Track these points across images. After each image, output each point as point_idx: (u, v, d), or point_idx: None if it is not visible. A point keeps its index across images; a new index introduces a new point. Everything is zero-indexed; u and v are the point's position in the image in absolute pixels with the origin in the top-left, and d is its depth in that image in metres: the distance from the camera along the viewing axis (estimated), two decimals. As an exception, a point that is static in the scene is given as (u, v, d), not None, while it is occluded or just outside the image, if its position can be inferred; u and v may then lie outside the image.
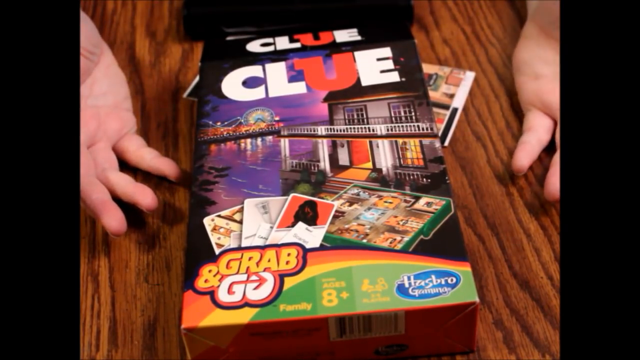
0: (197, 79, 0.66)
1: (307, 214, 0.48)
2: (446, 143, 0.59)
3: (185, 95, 0.65)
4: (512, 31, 0.68)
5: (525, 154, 0.55)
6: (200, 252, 0.46)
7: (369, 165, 0.51)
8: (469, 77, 0.65)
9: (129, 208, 0.54)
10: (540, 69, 0.58)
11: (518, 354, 0.47)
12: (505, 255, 0.52)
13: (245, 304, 0.43)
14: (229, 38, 0.68)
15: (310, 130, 0.53)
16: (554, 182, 0.51)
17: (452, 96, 0.63)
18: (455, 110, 0.62)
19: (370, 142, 0.52)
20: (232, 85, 0.58)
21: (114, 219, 0.51)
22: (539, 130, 0.56)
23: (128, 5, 0.73)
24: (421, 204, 0.48)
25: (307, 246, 0.46)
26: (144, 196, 0.53)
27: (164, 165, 0.57)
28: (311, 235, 0.46)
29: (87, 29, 0.58)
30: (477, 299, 0.42)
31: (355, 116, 0.54)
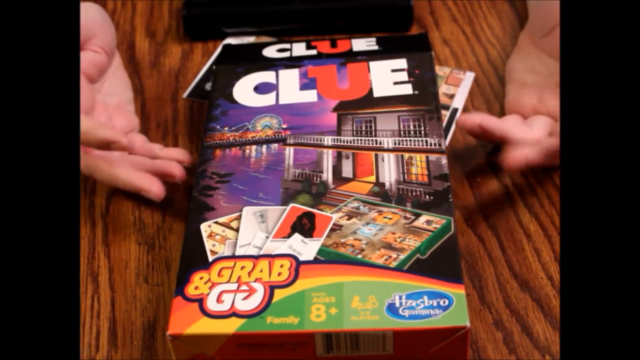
0: (197, 78, 0.66)
1: (304, 226, 0.47)
2: (446, 143, 0.58)
3: (185, 95, 0.65)
4: (512, 31, 0.68)
5: (478, 115, 0.54)
6: (193, 258, 0.46)
7: (372, 178, 0.50)
8: (469, 77, 0.64)
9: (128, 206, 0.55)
10: (526, 78, 0.59)
11: (518, 355, 0.47)
12: (505, 256, 0.52)
13: (233, 313, 0.43)
14: (246, 42, 0.68)
15: (317, 140, 0.53)
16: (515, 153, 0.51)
17: (452, 96, 0.63)
18: (455, 110, 0.61)
19: (376, 155, 0.51)
20: (244, 90, 0.57)
21: (153, 184, 0.52)
22: (508, 119, 0.56)
23: (128, 6, 0.74)
24: (421, 221, 0.47)
25: (301, 258, 0.45)
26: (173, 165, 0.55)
27: (175, 153, 0.57)
28: (306, 248, 0.46)
29: (111, 31, 0.59)
30: (468, 324, 0.41)
31: (364, 128, 0.53)
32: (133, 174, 0.52)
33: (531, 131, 0.54)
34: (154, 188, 0.52)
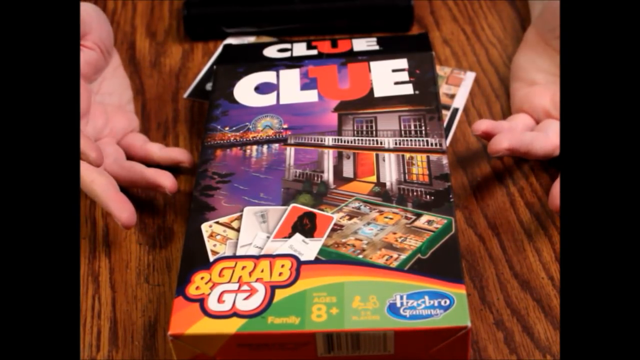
0: (197, 78, 0.66)
1: (305, 226, 0.47)
2: (447, 143, 0.58)
3: (185, 95, 0.65)
4: (513, 31, 0.68)
5: (489, 122, 0.54)
6: (194, 258, 0.46)
7: (373, 178, 0.50)
8: (469, 77, 0.64)
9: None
10: (535, 76, 0.58)
11: (519, 355, 0.47)
12: (506, 256, 0.52)
13: (234, 314, 0.43)
14: (246, 42, 0.68)
15: (318, 140, 0.53)
16: (558, 192, 0.50)
17: (452, 96, 0.63)
18: (455, 110, 0.61)
19: (377, 155, 0.51)
20: (244, 90, 0.57)
21: (124, 210, 0.50)
22: (518, 123, 0.56)
23: (128, 6, 0.74)
24: (422, 221, 0.47)
25: (302, 258, 0.45)
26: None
27: (175, 153, 0.57)
28: (307, 248, 0.46)
29: (107, 29, 0.58)
30: (469, 324, 0.41)
31: (365, 128, 0.53)
32: (110, 195, 0.51)
33: (548, 138, 0.54)
34: (124, 216, 0.50)
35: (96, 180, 0.51)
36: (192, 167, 0.58)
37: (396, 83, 0.57)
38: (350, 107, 0.55)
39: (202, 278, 0.45)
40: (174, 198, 0.57)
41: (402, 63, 0.58)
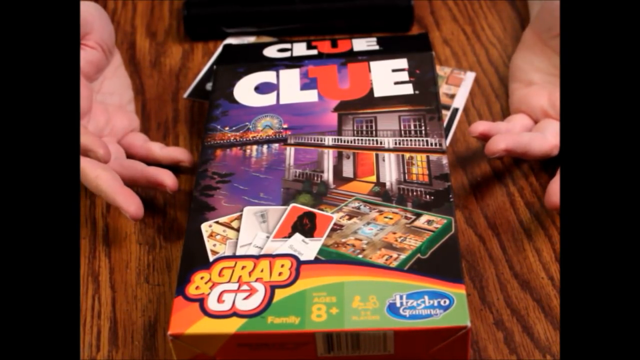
0: (197, 79, 0.66)
1: (305, 225, 0.47)
2: (447, 143, 0.59)
3: (185, 95, 0.65)
4: (513, 31, 0.68)
5: (486, 124, 0.54)
6: (194, 258, 0.46)
7: (373, 178, 0.50)
8: (469, 77, 0.64)
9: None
10: (533, 77, 0.58)
11: (519, 355, 0.47)
12: (505, 256, 0.52)
13: (234, 313, 0.43)
14: (246, 42, 0.68)
15: (318, 140, 0.53)
16: (554, 190, 0.50)
17: (452, 96, 0.63)
18: (455, 110, 0.62)
19: (377, 155, 0.51)
20: (244, 90, 0.58)
21: (132, 203, 0.51)
22: (516, 124, 0.56)
23: (128, 6, 0.74)
24: (422, 221, 0.47)
25: (302, 258, 0.45)
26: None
27: (176, 152, 0.57)
28: (307, 248, 0.46)
29: (109, 28, 0.58)
30: (468, 324, 0.41)
31: (364, 128, 0.53)
32: (116, 189, 0.51)
33: (545, 139, 0.54)
34: (132, 208, 0.50)
35: (101, 176, 0.51)
36: (192, 167, 0.58)
37: (396, 83, 0.57)
38: (350, 107, 0.55)
39: (202, 278, 0.45)
40: (174, 198, 0.57)
41: (402, 63, 0.58)
